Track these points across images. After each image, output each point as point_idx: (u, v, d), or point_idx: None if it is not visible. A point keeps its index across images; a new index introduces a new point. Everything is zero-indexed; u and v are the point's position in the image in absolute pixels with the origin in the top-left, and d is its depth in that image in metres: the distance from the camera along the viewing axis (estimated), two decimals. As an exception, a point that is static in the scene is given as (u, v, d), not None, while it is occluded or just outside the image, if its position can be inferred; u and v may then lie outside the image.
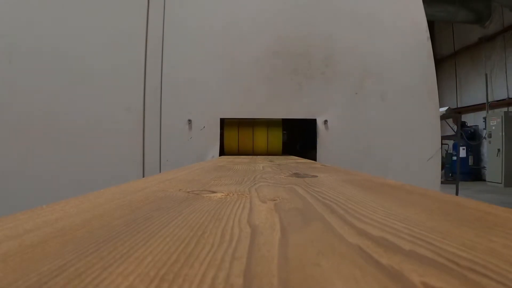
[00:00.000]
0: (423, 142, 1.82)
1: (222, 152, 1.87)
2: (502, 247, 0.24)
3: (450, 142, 8.99)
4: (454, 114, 7.36)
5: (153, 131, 1.77)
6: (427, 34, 1.86)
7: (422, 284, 0.18)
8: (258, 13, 1.85)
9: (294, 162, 1.28)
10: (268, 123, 1.97)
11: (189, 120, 1.79)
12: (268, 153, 1.96)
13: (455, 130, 6.16)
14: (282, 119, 1.93)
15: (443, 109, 6.91)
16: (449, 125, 6.75)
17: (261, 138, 1.95)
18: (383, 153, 1.83)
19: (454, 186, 5.40)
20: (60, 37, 1.77)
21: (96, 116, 1.74)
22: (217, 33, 1.83)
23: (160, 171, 1.75)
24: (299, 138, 2.27)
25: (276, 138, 1.96)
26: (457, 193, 5.05)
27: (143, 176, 1.73)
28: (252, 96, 1.83)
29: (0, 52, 1.74)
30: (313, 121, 1.84)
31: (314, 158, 1.79)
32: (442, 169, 6.76)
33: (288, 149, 2.13)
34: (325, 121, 1.83)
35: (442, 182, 5.95)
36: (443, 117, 6.81)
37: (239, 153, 1.95)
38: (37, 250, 0.23)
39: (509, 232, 0.27)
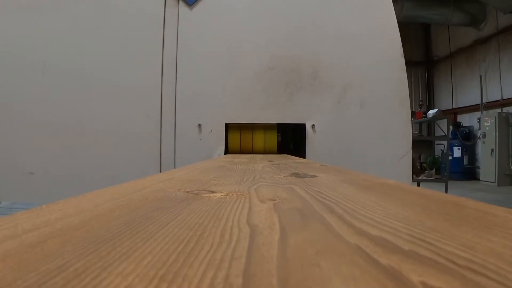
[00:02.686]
0: (396, 144, 2.08)
1: (226, 151, 2.15)
2: (501, 247, 0.24)
3: (446, 143, 9.03)
4: (444, 116, 7.40)
5: (169, 134, 2.07)
6: (401, 51, 2.13)
7: (421, 283, 0.18)
8: (256, 35, 2.16)
9: (293, 162, 1.28)
10: (265, 127, 2.25)
11: (199, 125, 2.08)
12: (265, 152, 2.23)
13: (446, 131, 6.18)
14: (277, 123, 2.21)
15: (433, 111, 6.96)
16: (439, 126, 6.80)
17: (259, 139, 2.25)
18: (362, 152, 2.10)
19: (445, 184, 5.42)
20: (89, 57, 2.05)
21: (121, 121, 2.04)
22: (222, 52, 2.13)
23: (175, 167, 1.96)
24: (291, 139, 2.53)
25: (272, 139, 2.26)
26: (446, 191, 5.06)
27: (161, 171, 1.92)
28: (251, 105, 2.13)
29: (34, 65, 2.00)
30: (303, 125, 2.12)
31: (303, 156, 2.05)
32: (433, 169, 6.81)
33: (282, 148, 2.39)
34: (313, 125, 2.12)
35: (432, 181, 5.98)
36: (434, 118, 6.86)
37: (241, 152, 2.22)
38: (36, 250, 0.23)
39: (508, 232, 0.27)
